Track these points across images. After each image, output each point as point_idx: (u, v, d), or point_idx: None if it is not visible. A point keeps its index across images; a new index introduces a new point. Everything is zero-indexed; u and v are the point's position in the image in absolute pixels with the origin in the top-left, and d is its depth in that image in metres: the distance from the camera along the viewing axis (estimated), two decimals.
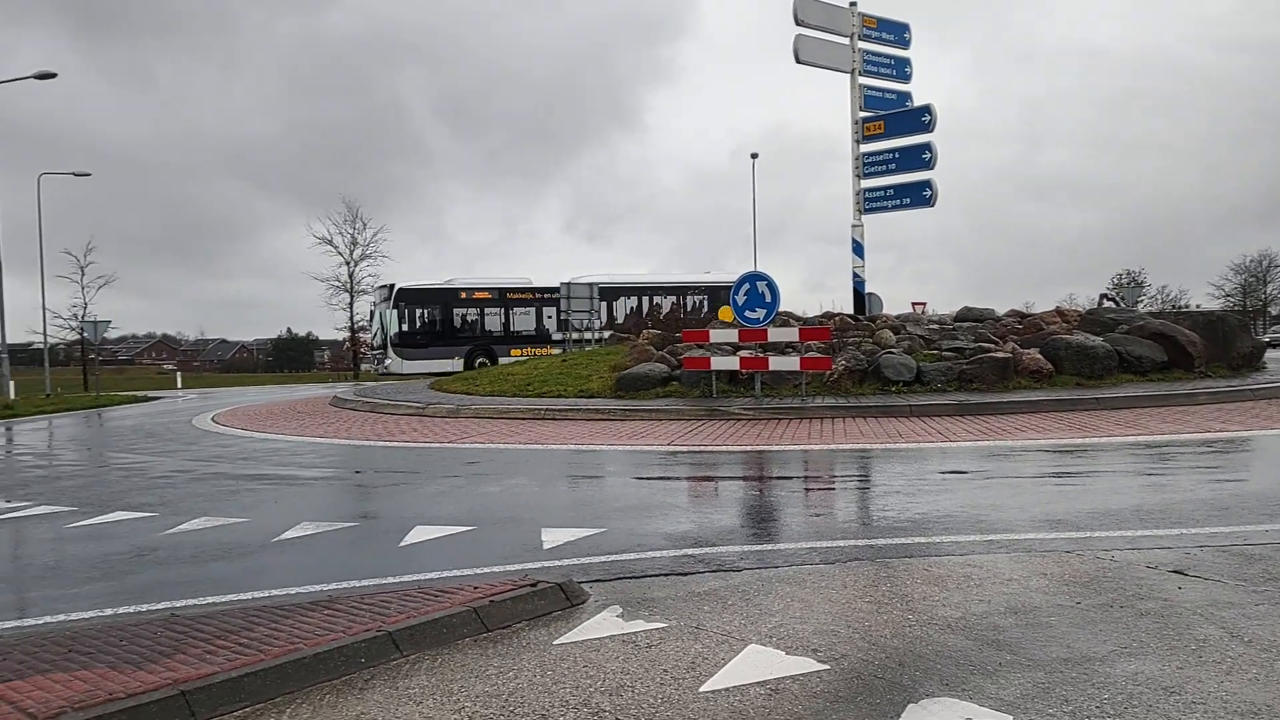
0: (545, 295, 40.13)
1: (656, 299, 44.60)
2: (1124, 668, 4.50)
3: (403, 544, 7.72)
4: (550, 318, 41.12)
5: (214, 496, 10.69)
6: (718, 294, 42.19)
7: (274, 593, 6.42)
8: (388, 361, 36.74)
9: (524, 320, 40.39)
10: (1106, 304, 38.88)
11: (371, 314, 39.27)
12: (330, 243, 55.79)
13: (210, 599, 6.34)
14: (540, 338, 40.29)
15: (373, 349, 39.13)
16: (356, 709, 4.42)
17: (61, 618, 6.12)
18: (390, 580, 6.60)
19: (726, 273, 43.45)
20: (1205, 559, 6.29)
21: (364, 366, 45.31)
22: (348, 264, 56.39)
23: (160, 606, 6.19)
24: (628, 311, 43.75)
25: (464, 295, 38.56)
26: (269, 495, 10.63)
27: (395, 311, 37.31)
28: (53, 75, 33.27)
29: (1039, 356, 17.50)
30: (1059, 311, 21.57)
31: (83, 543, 8.54)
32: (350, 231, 56.46)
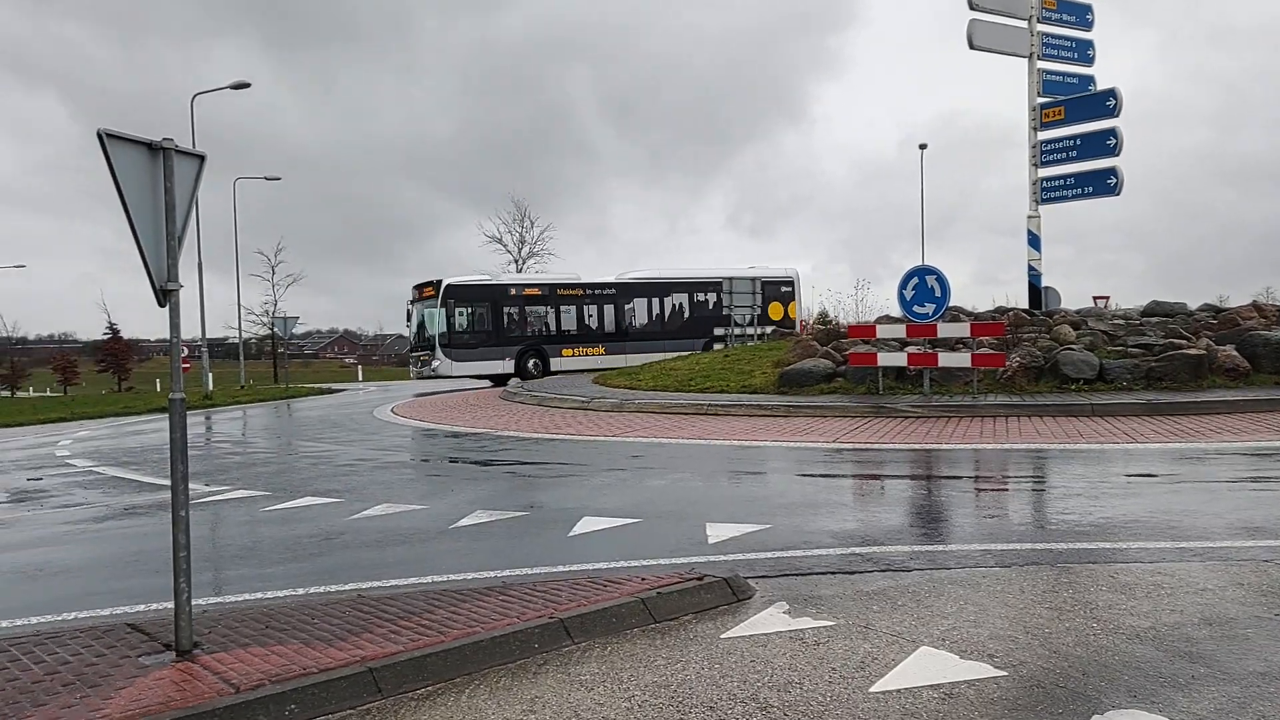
0: (596, 292, 37.65)
1: (703, 295, 39.90)
2: None
3: (571, 534, 7.91)
4: (593, 316, 37.75)
5: (394, 484, 11.20)
6: (777, 288, 39.92)
7: (451, 577, 6.69)
8: (435, 363, 33.44)
9: (574, 318, 37.18)
10: None
11: (409, 314, 36.00)
12: (500, 241, 57.56)
13: (393, 581, 6.66)
14: (591, 336, 37.16)
15: (412, 351, 36.26)
16: (531, 693, 4.56)
17: (258, 595, 6.55)
18: (560, 569, 6.77)
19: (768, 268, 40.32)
20: None
21: (409, 369, 40.10)
22: (516, 261, 58.09)
23: (347, 587, 6.55)
24: (673, 309, 39.63)
25: (514, 292, 35.70)
26: (444, 484, 11.06)
27: (444, 309, 33.61)
28: (247, 85, 35.48)
29: (1235, 354, 16.39)
30: (1256, 306, 20.13)
31: (276, 526, 9.11)
32: (519, 230, 58.13)
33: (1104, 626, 5.07)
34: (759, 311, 33.40)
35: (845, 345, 19.97)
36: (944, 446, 12.07)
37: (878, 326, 19.29)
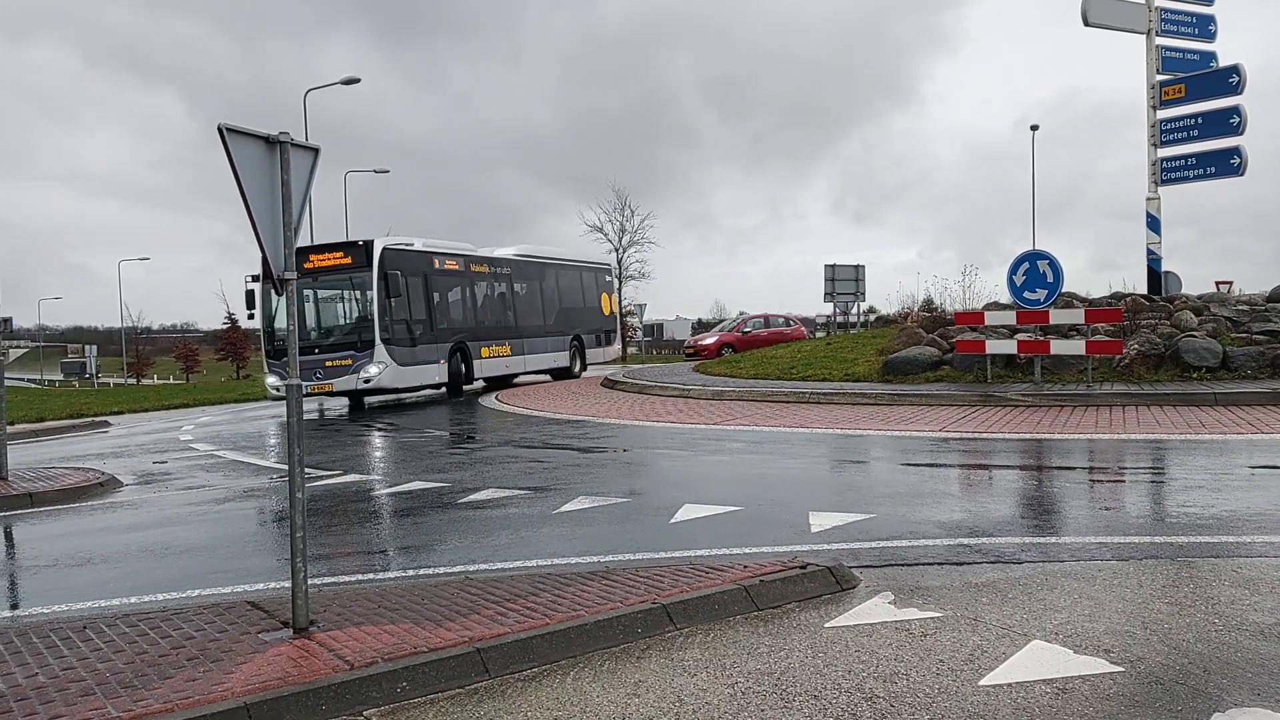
0: (499, 270, 27.28)
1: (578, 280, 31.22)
2: None
3: (673, 521, 7.93)
4: (499, 302, 27.18)
5: (498, 470, 11.39)
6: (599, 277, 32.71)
7: (555, 561, 6.78)
8: (372, 370, 21.46)
9: (488, 305, 26.62)
10: None
11: (252, 294, 22.14)
12: (600, 230, 57.80)
13: (499, 565, 6.78)
14: (501, 330, 26.70)
15: (272, 349, 22.66)
16: (634, 676, 4.60)
17: (371, 576, 6.75)
18: (662, 555, 6.81)
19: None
20: None
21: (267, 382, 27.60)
22: (616, 250, 58.30)
23: (455, 570, 6.70)
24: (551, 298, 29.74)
25: (438, 264, 24.48)
26: (549, 470, 11.21)
27: (382, 285, 21.64)
28: (357, 80, 36.34)
29: None
30: None
31: (387, 509, 9.36)
32: (619, 219, 58.26)
33: (1226, 622, 4.87)
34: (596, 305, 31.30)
35: (952, 332, 19.53)
36: (1056, 436, 11.72)
37: (986, 313, 18.82)
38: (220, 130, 4.96)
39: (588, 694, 4.43)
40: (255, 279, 21.74)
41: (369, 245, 21.44)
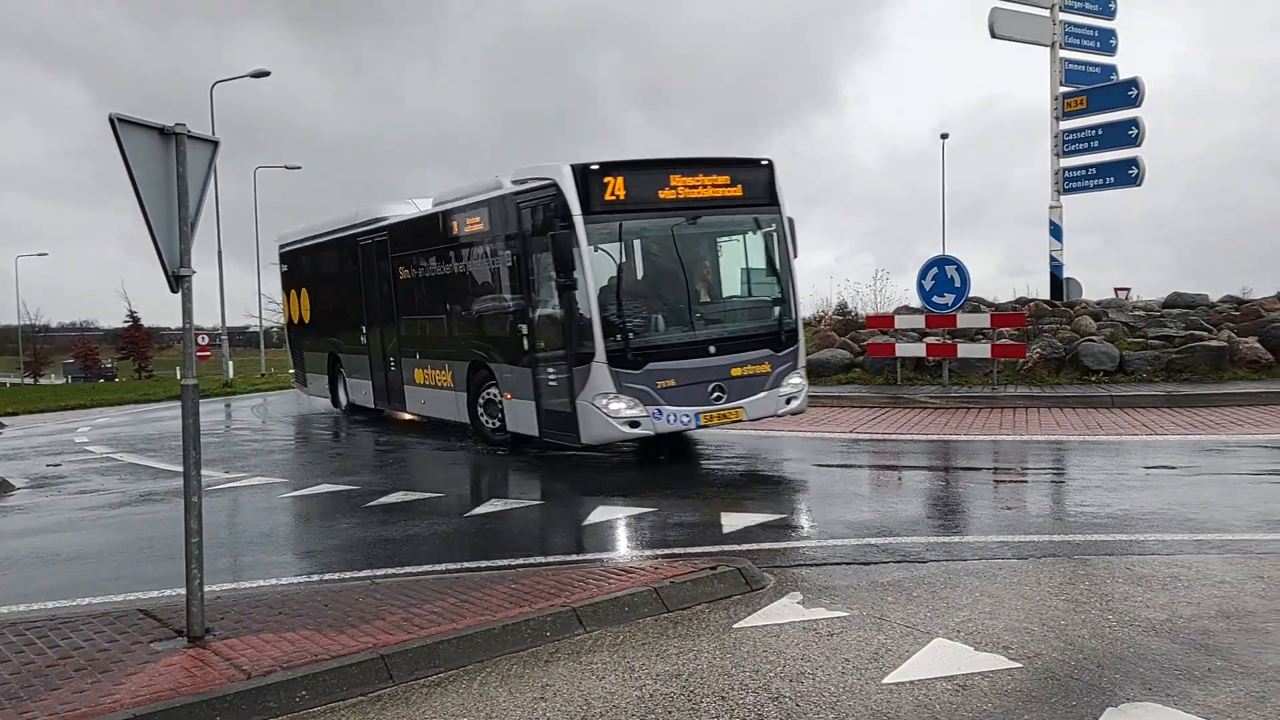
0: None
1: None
2: None
3: (586, 522, 7.89)
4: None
5: (411, 472, 11.21)
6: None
7: (466, 564, 6.69)
8: (796, 382, 11.15)
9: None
10: None
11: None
12: None
13: (406, 568, 6.66)
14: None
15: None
16: (542, 680, 4.55)
17: (273, 582, 6.57)
18: (574, 557, 6.77)
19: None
20: None
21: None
22: None
23: (361, 574, 6.56)
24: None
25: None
26: (460, 473, 11.07)
27: (792, 235, 11.40)
28: (267, 74, 35.37)
29: (1257, 345, 16.19)
30: None
31: (292, 513, 9.14)
32: None
33: (1120, 619, 5.02)
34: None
35: (864, 336, 19.85)
36: (962, 438, 11.99)
37: (896, 317, 19.17)
38: (112, 121, 4.78)
39: (494, 699, 4.37)
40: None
41: (770, 167, 11.27)
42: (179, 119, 5.00)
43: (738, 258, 11.31)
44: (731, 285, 11.46)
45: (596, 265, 9.88)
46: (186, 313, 5.09)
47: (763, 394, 10.61)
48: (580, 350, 9.96)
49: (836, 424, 13.61)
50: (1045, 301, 20.18)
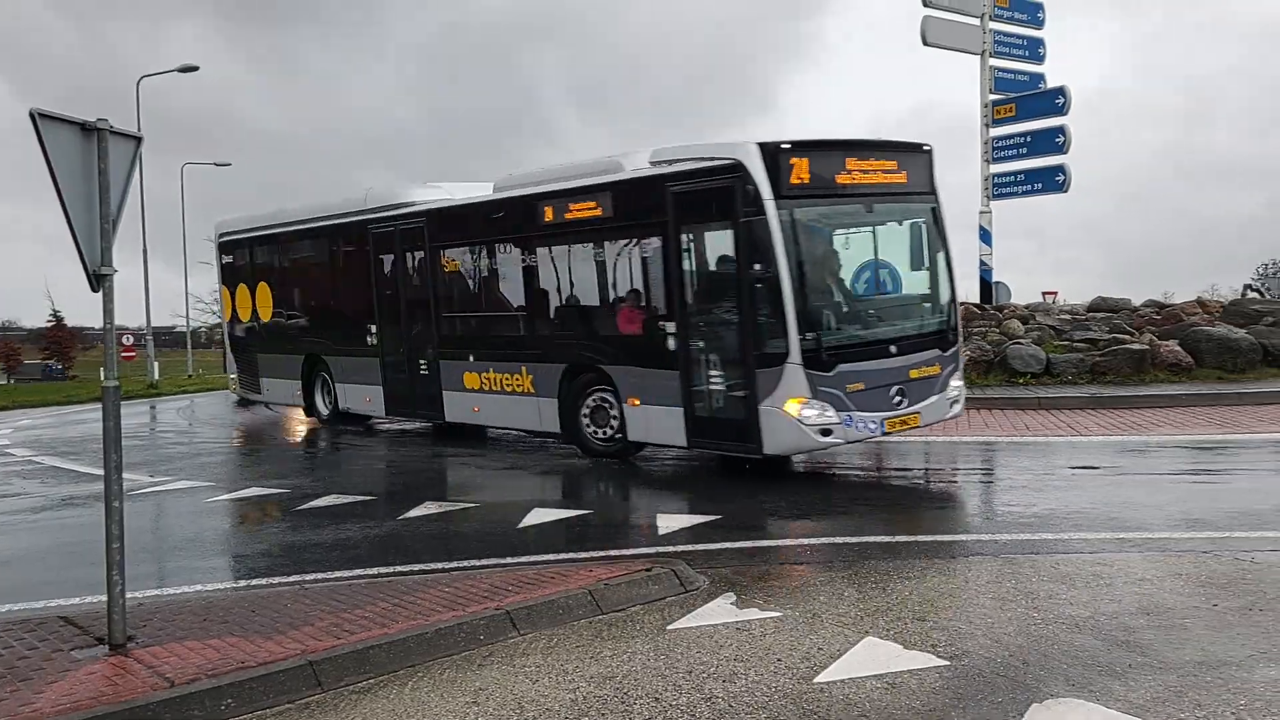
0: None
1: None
2: (1263, 673, 4.26)
3: (521, 525, 7.85)
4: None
5: (343, 475, 11.06)
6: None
7: (399, 568, 6.62)
8: (958, 385, 10.32)
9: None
10: (1251, 294, 36.44)
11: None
12: None
13: (338, 573, 6.56)
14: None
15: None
16: (476, 684, 4.52)
17: (198, 588, 6.43)
18: (509, 560, 6.72)
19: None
20: None
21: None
22: None
23: (290, 579, 6.45)
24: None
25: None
26: (394, 475, 10.94)
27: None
28: (195, 69, 34.56)
29: (1178, 349, 16.67)
30: (1200, 302, 20.47)
31: (219, 517, 8.95)
32: None
33: (1045, 616, 5.13)
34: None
35: None
36: (893, 439, 12.15)
37: None
38: (32, 115, 4.65)
39: (426, 704, 4.33)
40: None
41: (931, 153, 10.55)
42: (104, 114, 4.87)
43: (907, 249, 10.14)
44: (905, 280, 10.39)
45: (789, 255, 8.67)
46: (108, 312, 4.96)
47: (935, 397, 9.74)
48: (766, 350, 8.78)
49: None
50: (975, 305, 20.55)
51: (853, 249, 9.93)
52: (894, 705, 4.09)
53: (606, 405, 10.64)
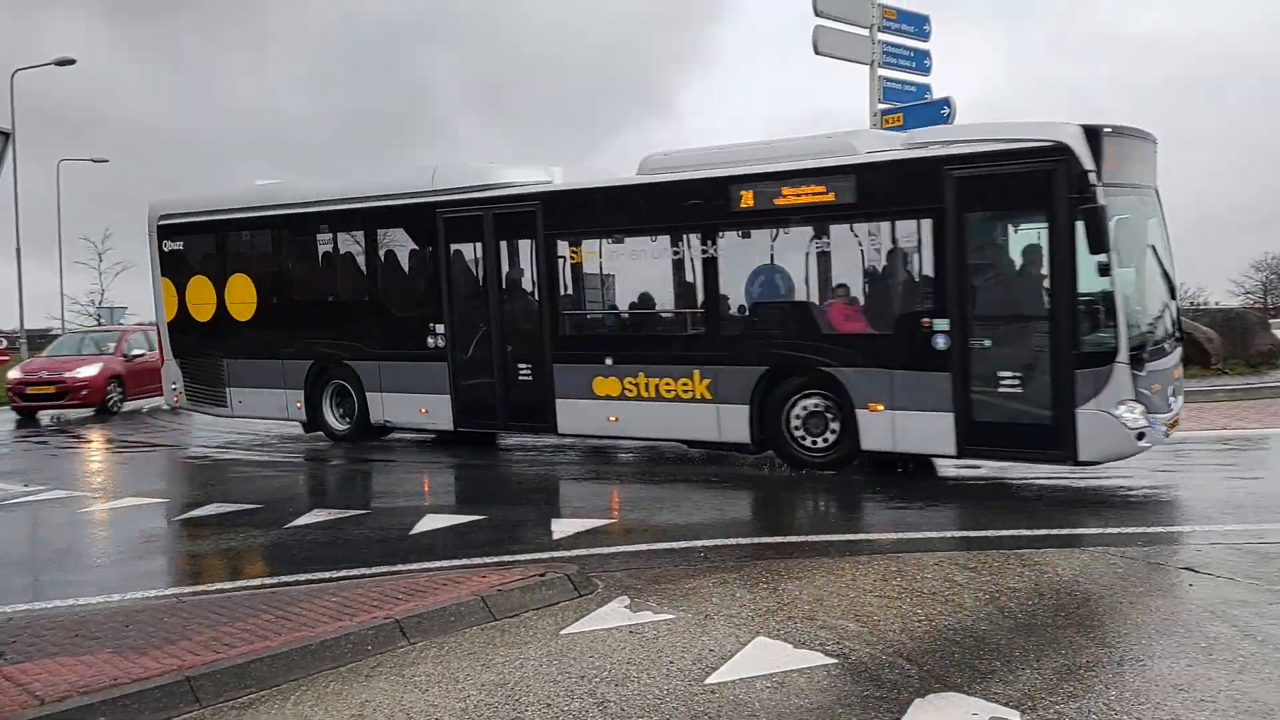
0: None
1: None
2: (1131, 666, 4.45)
3: (414, 531, 7.73)
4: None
5: (228, 484, 10.72)
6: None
7: (284, 578, 6.44)
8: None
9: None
10: None
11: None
12: None
13: (218, 584, 6.35)
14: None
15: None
16: (361, 696, 4.42)
17: (71, 602, 6.15)
18: (400, 567, 6.61)
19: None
20: (1218, 556, 6.21)
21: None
22: None
23: (168, 592, 6.22)
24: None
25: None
26: (282, 482, 10.66)
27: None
28: (72, 62, 33.14)
29: None
30: None
31: (95, 527, 8.58)
32: None
33: (927, 613, 5.26)
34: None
35: None
36: None
37: None
38: None
39: (309, 718, 4.21)
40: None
41: (1157, 142, 9.76)
42: None
43: (1164, 241, 9.44)
44: (1161, 275, 9.42)
45: (1115, 247, 8.06)
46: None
47: (1181, 396, 9.35)
48: (1089, 348, 8.10)
49: None
50: None
51: (1144, 241, 9.18)
52: (783, 705, 4.14)
53: (822, 410, 9.57)
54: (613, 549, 6.93)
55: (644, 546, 7.01)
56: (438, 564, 6.68)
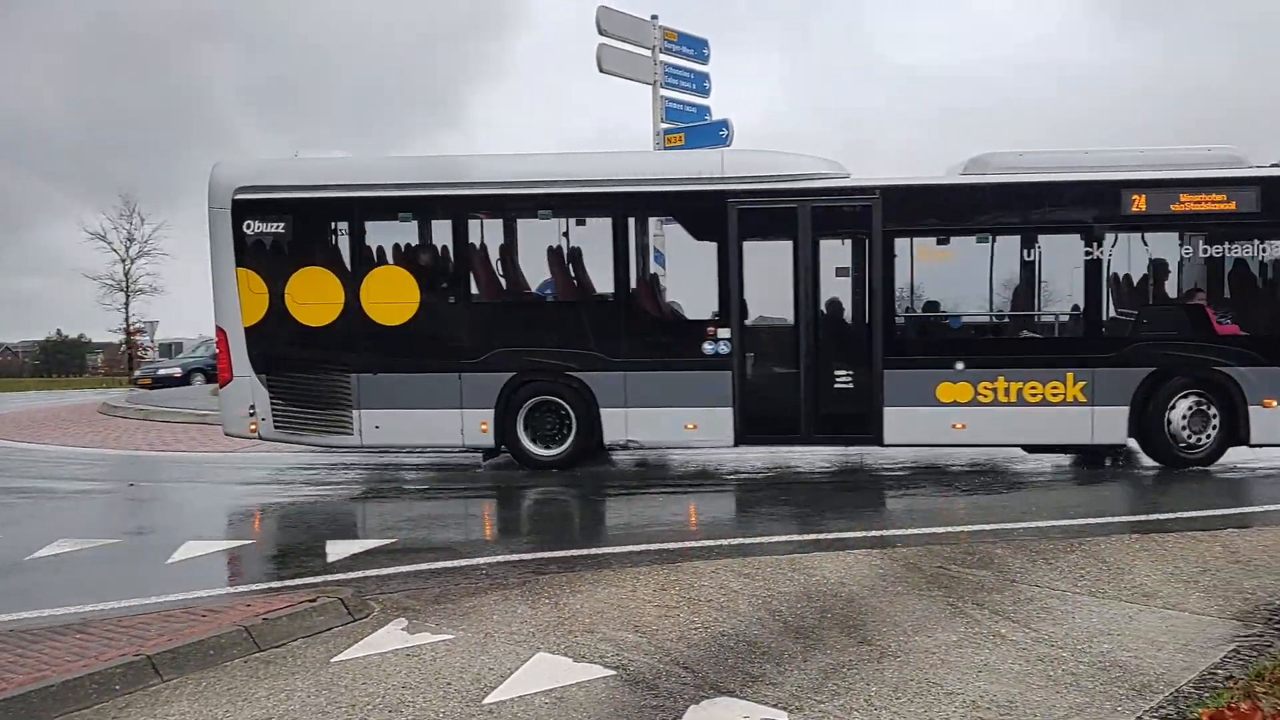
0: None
1: None
2: (890, 663, 4.71)
3: (171, 561, 7.22)
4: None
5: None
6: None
7: (23, 615, 5.86)
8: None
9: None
10: None
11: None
12: (104, 238, 52.09)
13: None
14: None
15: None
16: None
17: None
18: (154, 600, 6.13)
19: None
20: (962, 553, 6.68)
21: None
22: (123, 261, 53.06)
23: None
24: None
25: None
26: (23, 510, 9.75)
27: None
28: None
29: None
30: None
31: None
32: (127, 226, 52.83)
33: (703, 621, 5.38)
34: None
35: None
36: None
37: None
38: None
39: None
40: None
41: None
42: None
43: None
44: None
45: None
46: None
47: None
48: None
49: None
50: None
51: None
52: (561, 718, 4.12)
53: (1206, 410, 10.15)
54: (391, 570, 6.71)
55: (425, 566, 6.83)
56: (197, 594, 6.26)
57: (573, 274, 11.14)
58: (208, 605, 5.78)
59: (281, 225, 11.05)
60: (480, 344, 10.80)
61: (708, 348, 10.56)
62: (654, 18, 20.33)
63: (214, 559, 7.26)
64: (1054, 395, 10.23)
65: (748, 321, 10.66)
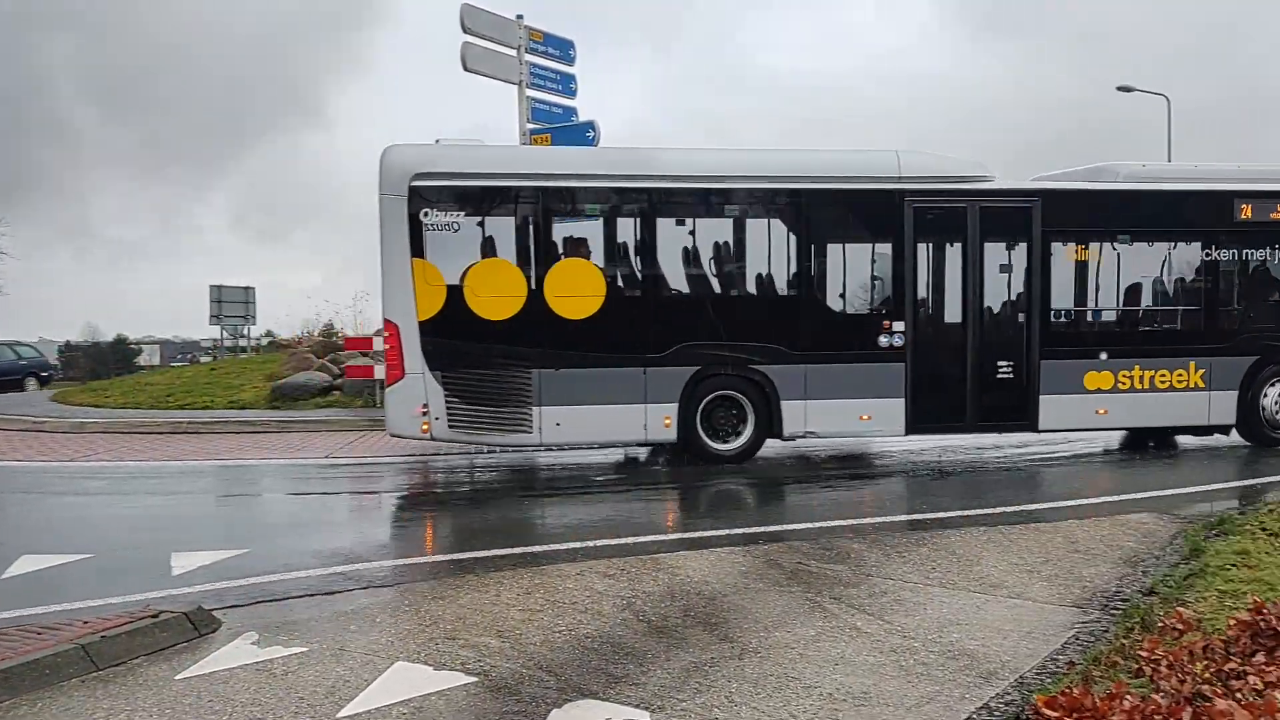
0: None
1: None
2: (750, 659, 4.77)
3: (4, 576, 6.77)
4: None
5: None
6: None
7: None
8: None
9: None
10: None
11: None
12: None
13: None
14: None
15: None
16: None
17: None
18: None
19: None
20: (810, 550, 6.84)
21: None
22: None
23: None
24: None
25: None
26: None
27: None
28: None
29: None
30: None
31: None
32: None
33: (567, 624, 5.35)
34: None
35: (343, 357, 19.49)
36: (441, 458, 12.20)
37: (374, 338, 19.09)
38: None
39: None
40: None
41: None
42: None
43: None
44: None
45: None
46: None
47: None
48: None
49: (312, 449, 13.18)
50: None
51: None
52: None
53: None
54: (242, 581, 6.44)
55: (277, 577, 6.58)
56: (33, 610, 5.87)
57: (754, 269, 11.18)
58: (43, 623, 5.43)
59: (462, 214, 10.65)
60: (664, 339, 10.79)
61: (883, 340, 11.02)
62: (519, 17, 20.19)
63: (50, 573, 6.83)
64: (1179, 382, 11.52)
65: (920, 316, 11.24)
